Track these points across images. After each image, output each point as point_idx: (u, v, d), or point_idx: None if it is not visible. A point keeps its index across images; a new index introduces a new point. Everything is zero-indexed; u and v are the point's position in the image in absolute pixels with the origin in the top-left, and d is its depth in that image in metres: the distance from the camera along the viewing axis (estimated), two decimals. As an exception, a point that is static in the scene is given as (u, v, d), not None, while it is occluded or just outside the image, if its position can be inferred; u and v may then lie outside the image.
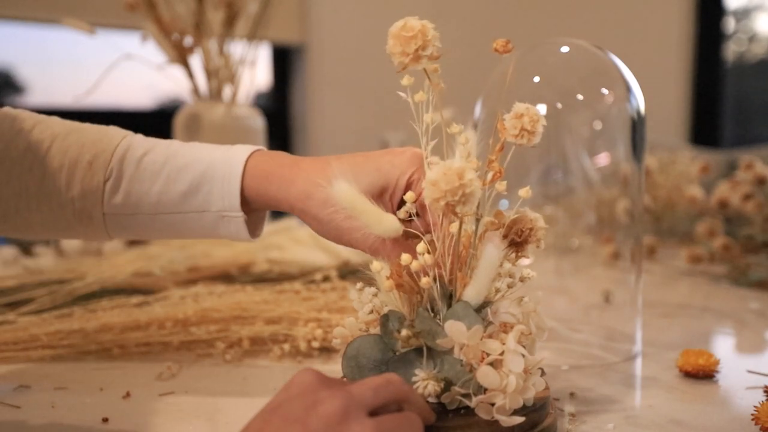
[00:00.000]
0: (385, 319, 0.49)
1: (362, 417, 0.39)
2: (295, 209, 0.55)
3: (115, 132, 0.58)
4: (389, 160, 0.54)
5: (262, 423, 0.39)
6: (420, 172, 0.54)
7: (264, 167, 0.56)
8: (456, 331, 0.46)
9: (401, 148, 0.55)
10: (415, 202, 0.52)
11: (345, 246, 0.55)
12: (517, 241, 0.51)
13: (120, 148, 0.56)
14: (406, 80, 0.49)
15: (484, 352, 0.47)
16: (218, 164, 0.56)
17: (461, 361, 0.47)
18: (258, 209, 0.58)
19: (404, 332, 0.48)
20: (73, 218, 0.56)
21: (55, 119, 0.59)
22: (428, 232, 0.51)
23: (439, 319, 0.48)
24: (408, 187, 0.54)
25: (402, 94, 0.49)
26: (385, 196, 0.54)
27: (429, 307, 0.49)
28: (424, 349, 0.48)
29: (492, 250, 0.47)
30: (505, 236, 0.51)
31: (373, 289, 0.52)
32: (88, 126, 0.58)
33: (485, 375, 0.45)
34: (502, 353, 0.46)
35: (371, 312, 0.52)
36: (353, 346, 0.50)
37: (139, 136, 0.59)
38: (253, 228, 0.59)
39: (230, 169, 0.55)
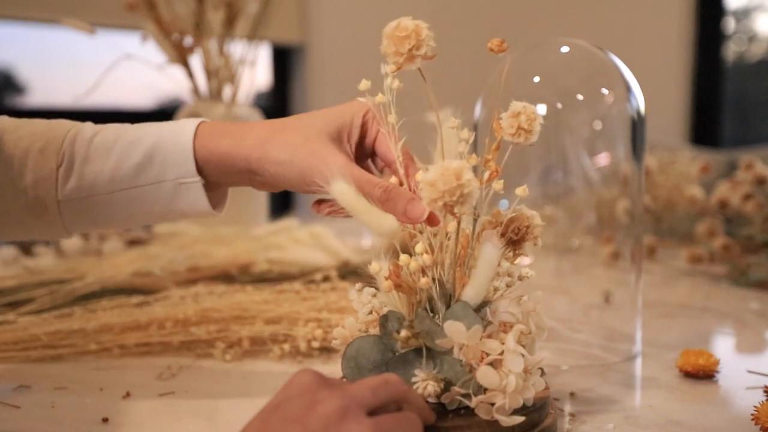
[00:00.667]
0: (384, 320, 0.49)
1: (361, 417, 0.39)
2: (252, 159, 0.54)
3: (64, 121, 0.58)
4: (340, 107, 0.55)
5: (262, 423, 0.39)
6: (373, 112, 0.55)
7: (215, 129, 0.56)
8: (455, 331, 0.46)
9: None
10: (373, 143, 0.55)
11: (307, 191, 0.54)
12: (514, 239, 0.51)
13: (70, 134, 0.56)
14: (388, 70, 0.49)
15: (483, 352, 0.47)
16: (169, 134, 0.55)
17: (461, 361, 0.47)
18: (214, 175, 0.56)
19: (403, 333, 0.48)
20: (26, 210, 0.55)
21: (4, 117, 0.58)
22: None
23: (439, 319, 0.48)
24: (363, 126, 0.55)
25: (386, 91, 0.50)
26: (343, 137, 0.54)
27: (428, 307, 0.49)
28: (424, 349, 0.48)
29: (490, 250, 0.47)
30: (502, 235, 0.51)
31: (372, 290, 0.52)
32: (37, 119, 0.58)
33: (485, 375, 0.45)
34: (501, 353, 0.46)
35: (370, 313, 0.52)
36: (353, 346, 0.50)
37: (88, 123, 0.58)
38: (215, 201, 0.58)
39: (181, 136, 0.55)
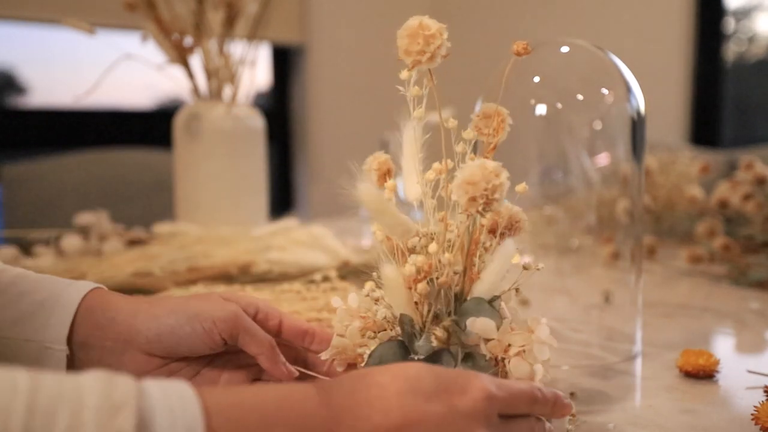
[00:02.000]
0: (402, 323, 0.49)
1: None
2: (132, 322, 0.51)
3: None
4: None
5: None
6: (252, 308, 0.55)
7: (104, 299, 0.53)
8: (484, 327, 0.47)
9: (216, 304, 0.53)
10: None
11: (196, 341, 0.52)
12: (506, 234, 0.52)
13: None
14: (405, 74, 0.49)
15: (508, 345, 0.47)
16: (58, 295, 0.52)
17: (485, 356, 0.47)
18: (86, 347, 0.52)
19: (439, 331, 0.48)
20: None
21: None
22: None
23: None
24: (262, 321, 0.55)
25: (401, 88, 0.50)
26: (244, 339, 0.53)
27: (443, 306, 0.49)
28: (459, 353, 0.49)
29: (510, 245, 0.47)
30: (492, 231, 0.51)
31: (375, 293, 0.52)
32: None
33: (518, 366, 0.47)
34: (523, 345, 0.47)
35: (384, 318, 0.51)
36: (375, 355, 0.50)
37: None
38: None
39: (68, 299, 0.52)
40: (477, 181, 0.44)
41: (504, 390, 0.42)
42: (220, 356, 0.54)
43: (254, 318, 0.54)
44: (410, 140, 0.51)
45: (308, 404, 0.38)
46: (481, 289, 0.48)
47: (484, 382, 0.42)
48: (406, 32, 0.47)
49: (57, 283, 0.53)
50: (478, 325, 0.47)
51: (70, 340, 0.51)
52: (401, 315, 0.49)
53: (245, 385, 0.38)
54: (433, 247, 0.48)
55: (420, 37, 0.47)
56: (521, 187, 0.50)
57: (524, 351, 0.47)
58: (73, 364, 0.52)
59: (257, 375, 0.55)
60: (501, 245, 0.48)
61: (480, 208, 0.45)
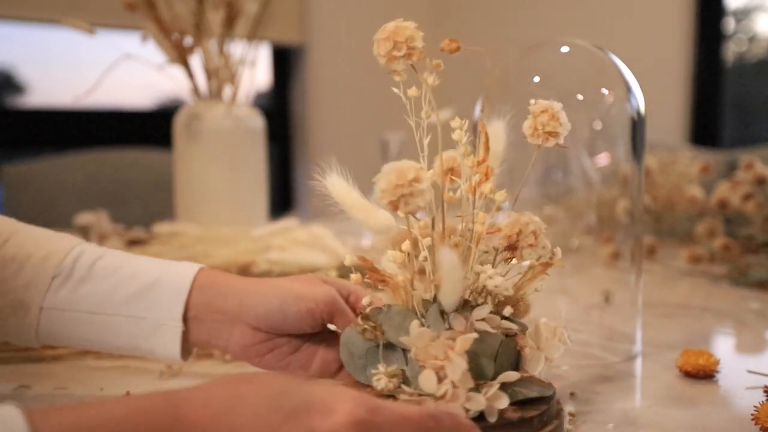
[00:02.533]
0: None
1: None
2: (240, 299, 0.54)
3: (70, 237, 0.58)
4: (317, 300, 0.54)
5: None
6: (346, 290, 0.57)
7: (214, 278, 0.56)
8: (411, 332, 0.47)
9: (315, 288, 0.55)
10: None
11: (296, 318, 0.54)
12: (508, 245, 0.51)
13: (75, 251, 0.56)
14: (396, 75, 0.50)
15: (436, 356, 0.46)
16: (168, 275, 0.55)
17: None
18: (198, 322, 0.55)
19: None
20: (8, 308, 0.55)
21: (14, 220, 0.59)
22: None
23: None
24: (353, 303, 0.56)
25: (396, 90, 0.50)
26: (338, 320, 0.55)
27: (416, 306, 0.50)
28: (380, 345, 0.50)
29: (446, 255, 0.45)
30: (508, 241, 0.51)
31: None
32: (44, 229, 0.59)
33: (426, 379, 0.46)
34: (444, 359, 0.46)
35: (370, 304, 0.53)
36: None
37: (92, 245, 0.58)
38: (185, 349, 0.56)
39: (180, 279, 0.55)
40: (380, 180, 0.44)
41: (381, 415, 0.39)
42: (318, 334, 0.56)
43: (346, 300, 0.56)
44: (495, 137, 0.52)
45: (156, 421, 0.37)
46: (440, 296, 0.48)
47: (355, 405, 0.38)
48: (375, 37, 0.49)
49: (163, 263, 0.57)
50: (410, 327, 0.47)
51: (183, 317, 0.54)
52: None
53: (93, 401, 0.37)
54: (405, 246, 0.49)
55: (377, 40, 0.49)
56: (500, 194, 0.50)
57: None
58: (186, 337, 0.55)
59: None
60: (440, 255, 0.46)
61: (390, 207, 0.45)
